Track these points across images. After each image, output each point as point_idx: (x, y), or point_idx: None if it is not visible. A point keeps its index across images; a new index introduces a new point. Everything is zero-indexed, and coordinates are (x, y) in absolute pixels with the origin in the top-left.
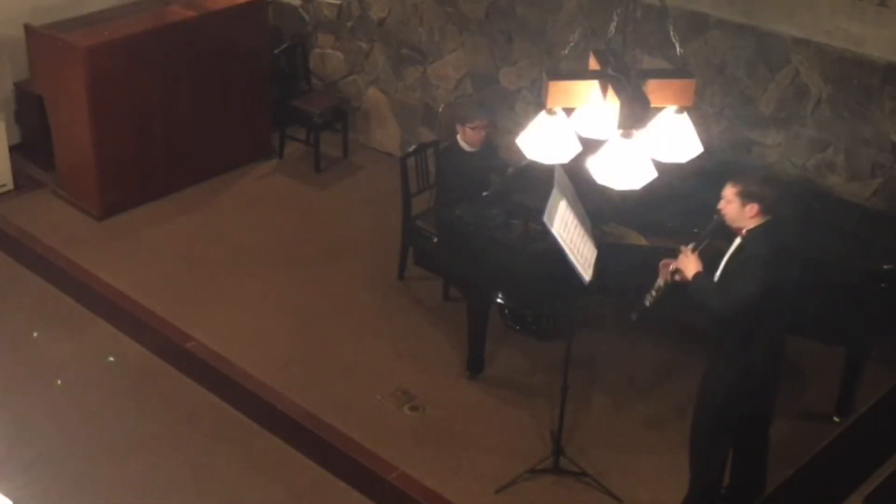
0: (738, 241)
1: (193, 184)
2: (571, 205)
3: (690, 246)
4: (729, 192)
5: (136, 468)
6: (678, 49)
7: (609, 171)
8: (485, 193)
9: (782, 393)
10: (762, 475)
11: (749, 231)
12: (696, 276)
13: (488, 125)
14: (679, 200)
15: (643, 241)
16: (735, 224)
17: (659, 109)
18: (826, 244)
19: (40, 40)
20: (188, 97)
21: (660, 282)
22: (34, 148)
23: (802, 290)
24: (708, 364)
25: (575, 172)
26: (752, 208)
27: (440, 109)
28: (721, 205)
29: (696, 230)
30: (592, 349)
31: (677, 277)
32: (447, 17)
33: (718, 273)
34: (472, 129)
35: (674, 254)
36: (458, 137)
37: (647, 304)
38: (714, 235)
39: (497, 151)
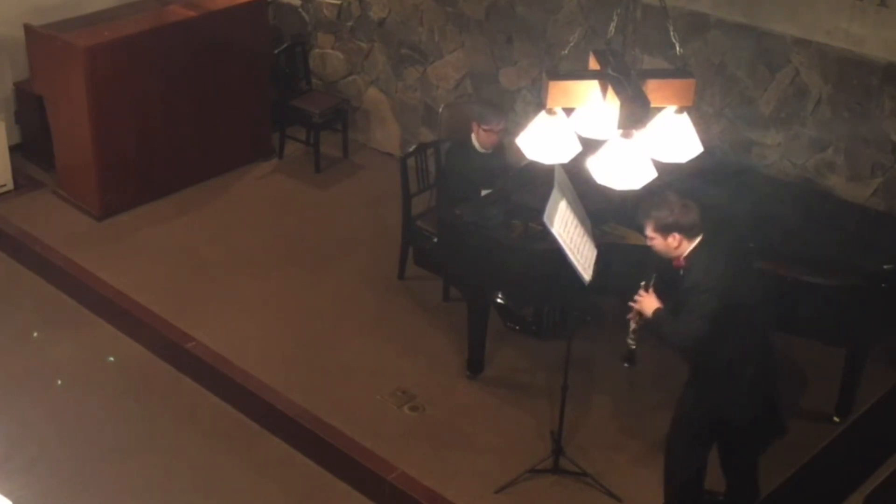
0: (680, 272)
1: (193, 184)
2: (571, 205)
3: (642, 285)
4: (648, 230)
5: (136, 468)
6: (678, 49)
7: (609, 171)
8: (484, 193)
9: (782, 393)
10: (754, 485)
11: (685, 260)
12: (655, 312)
13: (503, 130)
14: None
15: (643, 241)
16: (669, 256)
17: (659, 109)
18: (826, 244)
19: (40, 40)
20: (188, 97)
21: (632, 325)
22: (34, 148)
23: (802, 291)
24: (686, 379)
25: (575, 172)
26: (674, 238)
27: (440, 109)
28: (648, 243)
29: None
30: (592, 349)
31: (643, 318)
32: (447, 17)
33: (673, 306)
34: (485, 130)
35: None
36: (472, 136)
37: (633, 347)
38: (656, 271)
39: (504, 153)
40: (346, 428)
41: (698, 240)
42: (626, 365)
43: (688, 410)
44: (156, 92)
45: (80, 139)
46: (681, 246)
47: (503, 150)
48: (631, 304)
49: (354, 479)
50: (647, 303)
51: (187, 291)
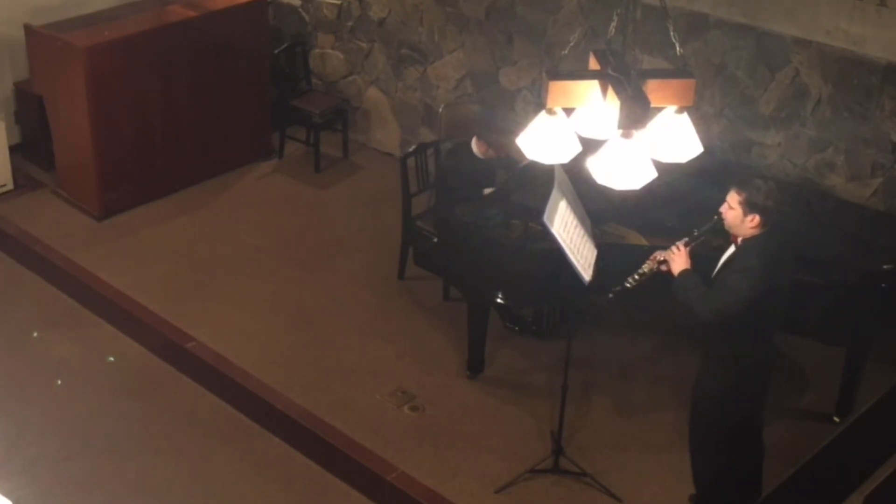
0: (731, 249)
1: (193, 184)
2: (571, 205)
3: (683, 241)
4: (733, 198)
5: (136, 468)
6: (678, 49)
7: (609, 171)
8: (487, 191)
9: (782, 393)
10: (759, 483)
11: (745, 241)
12: (683, 272)
13: (506, 147)
14: (679, 200)
15: (643, 241)
16: (733, 231)
17: (659, 109)
18: (826, 244)
19: (40, 40)
20: (188, 97)
21: (644, 268)
22: (34, 148)
23: (801, 291)
24: (700, 371)
25: (575, 172)
26: (754, 219)
27: (440, 109)
28: (723, 209)
29: (695, 231)
30: (592, 349)
31: (663, 268)
32: (447, 17)
33: (712, 278)
34: (491, 148)
35: None
36: (473, 143)
37: (628, 285)
38: (710, 235)
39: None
40: (346, 428)
41: (766, 229)
42: (610, 295)
43: (708, 407)
44: (156, 92)
45: (80, 139)
46: (754, 228)
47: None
48: (659, 252)
49: (354, 479)
50: (680, 259)
51: (187, 291)
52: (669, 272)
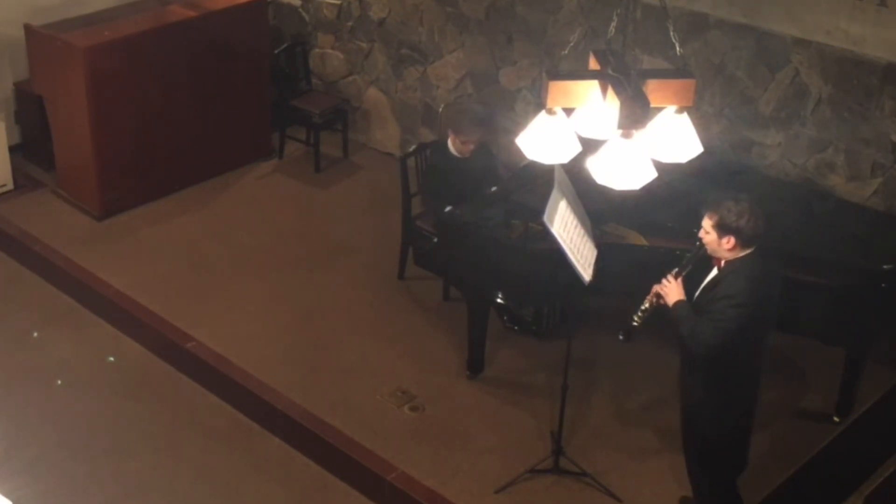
0: (714, 272)
1: (193, 184)
2: (571, 205)
3: (674, 272)
4: (706, 222)
5: (136, 468)
6: (678, 49)
7: (609, 171)
8: (448, 209)
9: (782, 393)
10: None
11: (727, 264)
12: (677, 304)
13: (480, 140)
14: (679, 200)
15: (643, 241)
16: (714, 254)
17: (659, 109)
18: (826, 244)
19: (40, 40)
20: (188, 97)
21: (645, 304)
22: (34, 148)
23: (801, 290)
24: (690, 378)
25: (575, 172)
26: (729, 241)
27: (440, 109)
28: (700, 234)
29: (695, 230)
30: (592, 349)
31: (661, 302)
32: (447, 17)
33: (695, 299)
34: (461, 141)
35: (673, 255)
36: (448, 141)
37: (635, 324)
38: (697, 262)
39: (490, 150)
40: (346, 428)
41: (749, 251)
42: (620, 337)
43: (709, 432)
44: (156, 92)
45: (80, 139)
46: (732, 250)
47: (486, 153)
48: (655, 286)
49: (354, 479)
50: (673, 291)
51: (187, 291)
52: (665, 305)
